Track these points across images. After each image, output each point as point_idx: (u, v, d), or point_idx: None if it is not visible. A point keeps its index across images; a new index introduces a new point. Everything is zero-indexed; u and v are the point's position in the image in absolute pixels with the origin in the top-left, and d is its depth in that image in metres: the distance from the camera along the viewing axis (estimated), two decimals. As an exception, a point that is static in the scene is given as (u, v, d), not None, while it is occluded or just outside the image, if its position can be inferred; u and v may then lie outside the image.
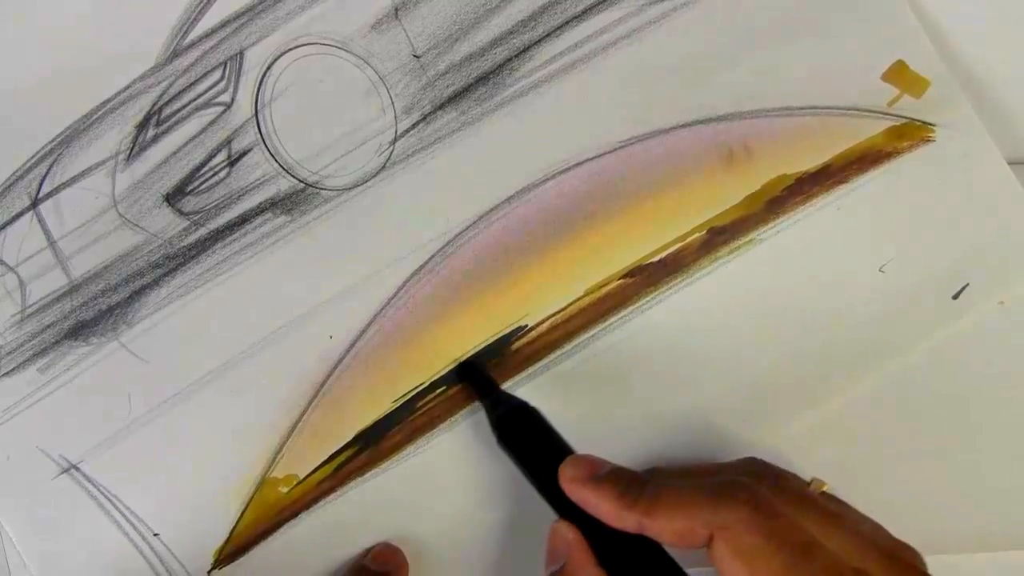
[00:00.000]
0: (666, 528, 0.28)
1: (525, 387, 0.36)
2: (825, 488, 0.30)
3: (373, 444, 0.35)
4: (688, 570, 0.29)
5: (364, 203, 0.36)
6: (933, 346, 0.37)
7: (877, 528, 0.29)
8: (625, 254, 0.36)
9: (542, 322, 0.36)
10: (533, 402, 0.33)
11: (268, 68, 0.36)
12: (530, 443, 0.32)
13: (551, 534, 0.31)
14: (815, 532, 0.27)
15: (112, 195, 0.35)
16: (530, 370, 0.36)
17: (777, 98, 0.37)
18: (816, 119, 0.37)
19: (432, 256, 0.36)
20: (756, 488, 0.28)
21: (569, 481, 0.30)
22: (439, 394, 0.35)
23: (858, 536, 0.28)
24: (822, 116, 0.37)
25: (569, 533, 0.30)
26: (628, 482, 0.29)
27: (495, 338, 0.36)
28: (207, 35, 0.36)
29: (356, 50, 0.36)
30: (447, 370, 0.36)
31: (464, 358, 0.36)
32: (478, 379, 0.35)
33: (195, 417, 0.35)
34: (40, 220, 0.35)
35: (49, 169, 0.35)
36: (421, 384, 0.35)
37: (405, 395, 0.35)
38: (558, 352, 0.36)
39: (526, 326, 0.36)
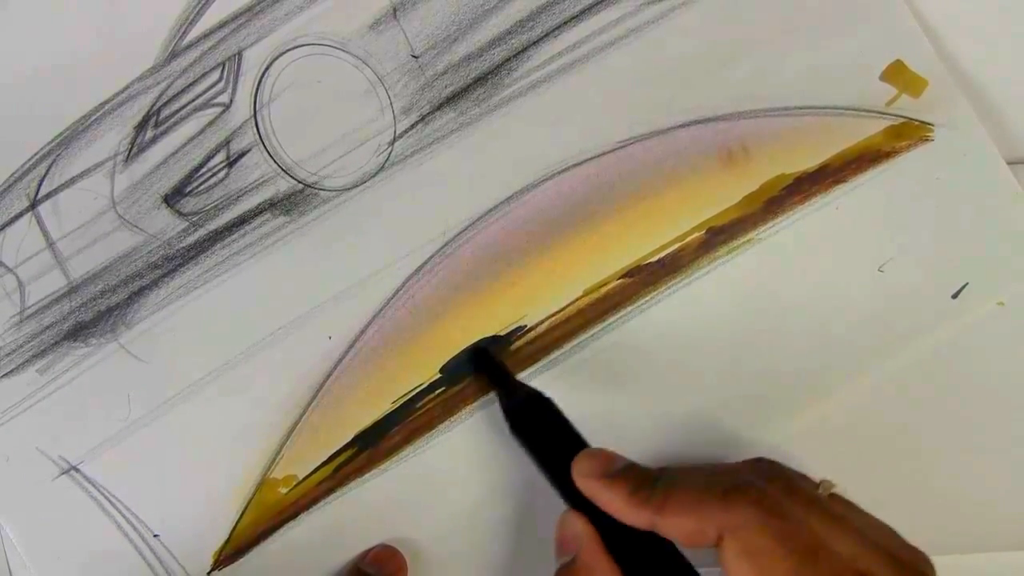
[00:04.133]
0: (677, 527, 0.28)
1: (524, 387, 0.36)
2: (835, 490, 0.30)
3: (372, 445, 0.35)
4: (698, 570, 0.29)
5: (363, 203, 0.36)
6: (933, 346, 0.37)
7: (885, 531, 0.29)
8: (624, 254, 0.36)
9: (541, 322, 0.36)
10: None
11: (267, 68, 0.36)
12: (543, 434, 0.32)
13: (560, 524, 0.31)
14: (822, 534, 0.27)
15: (111, 196, 0.35)
16: (529, 370, 0.36)
17: (775, 98, 0.37)
18: (814, 119, 0.37)
19: (431, 256, 0.36)
20: (766, 489, 0.28)
21: (581, 476, 0.30)
22: (438, 395, 0.35)
23: (864, 539, 0.28)
24: (820, 116, 0.37)
25: (579, 524, 0.30)
26: (640, 480, 0.29)
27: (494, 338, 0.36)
28: (206, 35, 0.36)
29: (355, 50, 0.36)
30: (449, 367, 0.36)
31: (475, 344, 0.35)
32: (491, 367, 0.35)
33: (195, 418, 0.35)
34: (39, 221, 0.35)
35: (48, 170, 0.35)
36: (420, 384, 0.35)
37: (404, 396, 0.35)
38: (557, 352, 0.36)
39: (525, 326, 0.36)
